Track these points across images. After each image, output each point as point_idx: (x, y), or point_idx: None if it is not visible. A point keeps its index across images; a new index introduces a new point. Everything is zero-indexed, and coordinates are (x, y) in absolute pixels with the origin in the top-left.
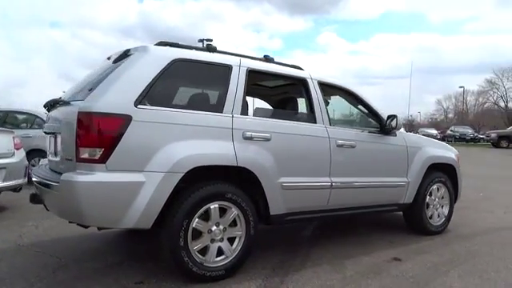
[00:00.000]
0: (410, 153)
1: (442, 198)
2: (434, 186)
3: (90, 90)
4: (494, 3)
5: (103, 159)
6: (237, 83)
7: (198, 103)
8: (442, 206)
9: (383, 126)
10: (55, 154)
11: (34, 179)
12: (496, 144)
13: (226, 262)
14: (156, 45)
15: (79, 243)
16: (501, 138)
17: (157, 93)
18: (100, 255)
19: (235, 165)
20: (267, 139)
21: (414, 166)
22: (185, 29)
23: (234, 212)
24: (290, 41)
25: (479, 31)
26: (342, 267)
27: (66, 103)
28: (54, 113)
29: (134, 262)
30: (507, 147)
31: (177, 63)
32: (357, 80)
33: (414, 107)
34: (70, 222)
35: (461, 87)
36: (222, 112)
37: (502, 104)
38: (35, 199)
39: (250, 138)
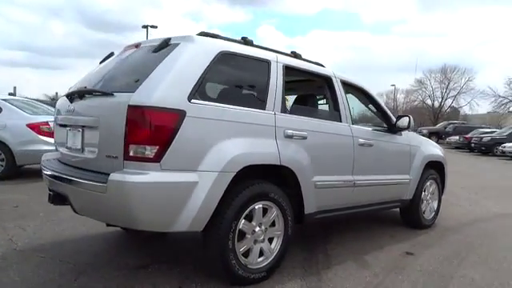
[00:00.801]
0: (412, 151)
1: (433, 193)
2: (428, 183)
3: (137, 81)
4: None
5: (157, 158)
6: (276, 79)
7: (242, 99)
8: (433, 201)
9: (392, 125)
10: (82, 149)
11: (52, 175)
12: None
13: (266, 263)
14: (198, 35)
15: (83, 245)
16: (431, 133)
17: (206, 87)
18: (116, 258)
19: (278, 164)
20: (304, 137)
21: (415, 164)
22: (119, 13)
23: (274, 212)
24: (229, 32)
25: (406, 33)
26: (366, 263)
27: (105, 94)
28: (82, 104)
29: (158, 264)
30: (437, 142)
31: (223, 56)
32: None
33: None
34: (107, 225)
35: (392, 85)
36: (264, 109)
37: (430, 102)
38: (58, 199)
39: (291, 137)
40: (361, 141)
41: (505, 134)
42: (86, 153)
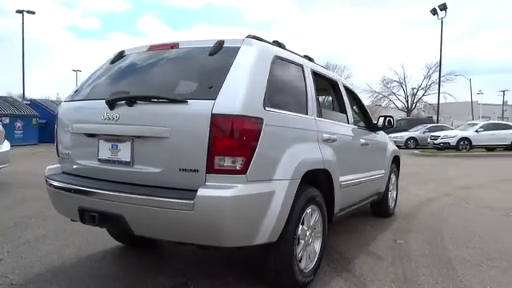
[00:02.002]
0: (386, 147)
1: (393, 184)
2: (392, 175)
3: (211, 87)
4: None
5: (244, 169)
6: (310, 84)
7: (292, 105)
8: (393, 191)
9: (374, 124)
10: (131, 162)
11: (93, 193)
12: None
13: (312, 265)
14: (247, 38)
15: (92, 268)
16: None
17: (270, 93)
18: (145, 279)
19: (323, 168)
20: (334, 140)
21: (387, 159)
22: None
23: (317, 214)
24: (107, 21)
25: (286, 31)
26: (376, 255)
27: (175, 101)
28: (133, 112)
29: (195, 281)
30: None
31: (276, 60)
32: None
33: None
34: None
35: None
36: (307, 114)
37: None
38: (102, 220)
39: (326, 141)
40: (362, 141)
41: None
42: (140, 166)
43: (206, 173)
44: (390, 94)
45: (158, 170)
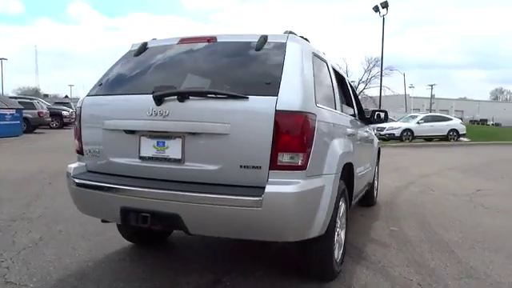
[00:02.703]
0: (374, 140)
1: (376, 175)
2: (376, 167)
3: (269, 83)
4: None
5: (304, 165)
6: (334, 80)
7: (327, 101)
8: (376, 181)
9: (367, 118)
10: (182, 160)
11: (144, 192)
12: None
13: (340, 254)
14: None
15: (115, 271)
16: None
17: (315, 90)
18: (177, 278)
19: (351, 161)
20: (354, 134)
21: (375, 151)
22: None
23: (343, 206)
24: (32, 6)
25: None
26: (382, 243)
27: (234, 97)
28: (185, 108)
29: (229, 277)
30: None
31: (314, 58)
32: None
33: None
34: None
35: None
36: (335, 109)
37: None
38: (154, 220)
39: (349, 135)
40: (365, 134)
41: None
42: (192, 164)
43: (269, 169)
44: None
45: (215, 167)
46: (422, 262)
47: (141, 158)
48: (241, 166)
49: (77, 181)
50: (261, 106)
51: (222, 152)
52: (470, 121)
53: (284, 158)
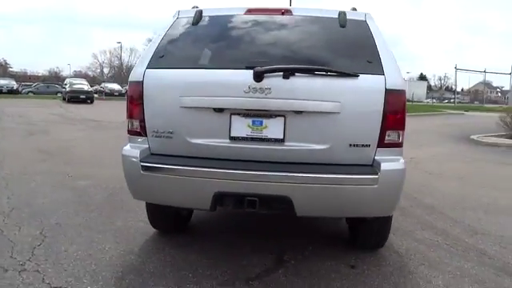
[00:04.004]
0: None
1: None
2: None
3: (371, 62)
4: None
5: (402, 142)
6: None
7: None
8: None
9: None
10: (282, 140)
11: (252, 175)
12: None
13: None
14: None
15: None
16: None
17: None
18: (236, 261)
19: None
20: None
21: None
22: None
23: None
24: None
25: None
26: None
27: (345, 75)
28: (291, 84)
29: (289, 257)
30: None
31: None
32: None
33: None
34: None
35: (118, 43)
36: None
37: None
38: (264, 204)
39: None
40: None
41: None
42: (295, 143)
43: (377, 147)
44: None
45: (323, 146)
46: (431, 224)
47: (232, 138)
48: (350, 145)
49: (148, 165)
50: (372, 84)
51: (332, 131)
52: None
53: (390, 136)
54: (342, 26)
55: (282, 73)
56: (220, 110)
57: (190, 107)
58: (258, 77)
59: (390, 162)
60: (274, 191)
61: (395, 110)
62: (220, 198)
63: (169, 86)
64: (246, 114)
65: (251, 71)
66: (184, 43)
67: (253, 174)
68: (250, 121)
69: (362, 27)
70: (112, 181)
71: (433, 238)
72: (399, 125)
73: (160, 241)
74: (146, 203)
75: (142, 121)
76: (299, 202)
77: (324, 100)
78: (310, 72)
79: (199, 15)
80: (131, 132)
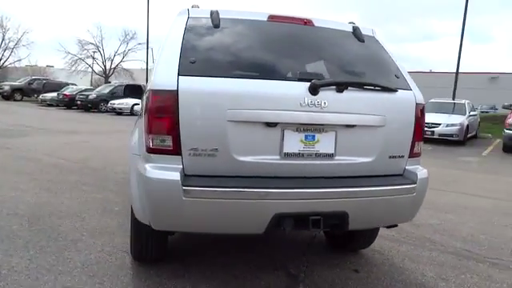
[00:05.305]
0: None
1: None
2: None
3: (398, 77)
4: None
5: (421, 152)
6: None
7: None
8: None
9: None
10: (334, 154)
11: (316, 193)
12: (9, 97)
13: None
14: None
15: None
16: (15, 90)
17: None
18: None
19: None
20: None
21: None
22: None
23: None
24: None
25: None
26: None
27: (388, 90)
28: (344, 99)
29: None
30: (21, 100)
31: None
32: None
33: None
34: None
35: None
36: None
37: None
38: (329, 223)
39: None
40: None
41: (105, 91)
42: (343, 157)
43: (408, 157)
44: (87, 57)
45: (368, 159)
46: None
47: (285, 154)
48: (389, 157)
49: (195, 189)
50: (406, 98)
51: (377, 144)
52: None
53: (416, 147)
54: (362, 40)
55: (335, 86)
56: (273, 125)
57: (239, 121)
58: (315, 90)
59: (421, 171)
60: (335, 207)
61: (421, 123)
62: (278, 220)
63: (214, 96)
64: (300, 128)
65: (305, 84)
66: (213, 48)
67: (316, 192)
68: (302, 136)
69: (376, 42)
70: None
71: (389, 234)
72: (421, 136)
73: (152, 273)
74: (136, 230)
75: (176, 137)
76: (353, 216)
77: (373, 114)
78: (360, 86)
79: (217, 17)
80: (156, 150)
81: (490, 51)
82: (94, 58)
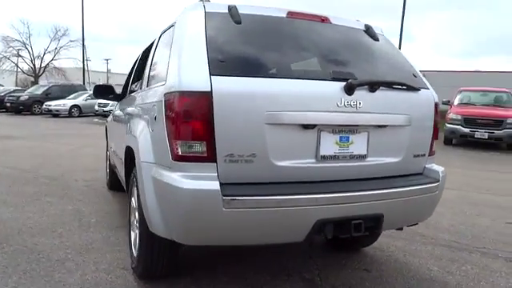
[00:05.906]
0: None
1: None
2: None
3: (416, 76)
4: None
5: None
6: None
7: None
8: None
9: None
10: (366, 155)
11: (357, 196)
12: None
13: None
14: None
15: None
16: None
17: None
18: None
19: None
20: None
21: None
22: None
23: None
24: None
25: None
26: None
27: (412, 89)
28: (375, 99)
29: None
30: None
31: None
32: None
33: None
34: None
35: None
36: None
37: None
38: (369, 226)
39: None
40: None
41: (38, 92)
42: (373, 158)
43: (428, 156)
44: (13, 56)
45: (397, 159)
46: None
47: (322, 157)
48: (414, 155)
49: (239, 198)
50: (426, 97)
51: (404, 143)
52: None
53: (434, 145)
54: (376, 39)
55: (367, 86)
56: (311, 127)
57: (277, 124)
58: (350, 90)
59: (440, 169)
60: (373, 210)
61: (438, 121)
62: (320, 226)
63: (252, 98)
64: (336, 129)
65: (339, 83)
66: (241, 46)
67: (355, 196)
68: (337, 137)
69: (388, 42)
70: None
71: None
72: (438, 134)
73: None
74: (147, 245)
75: (211, 142)
76: (387, 217)
77: (399, 113)
78: (390, 86)
79: (237, 13)
80: (186, 158)
81: (415, 49)
82: (20, 56)
